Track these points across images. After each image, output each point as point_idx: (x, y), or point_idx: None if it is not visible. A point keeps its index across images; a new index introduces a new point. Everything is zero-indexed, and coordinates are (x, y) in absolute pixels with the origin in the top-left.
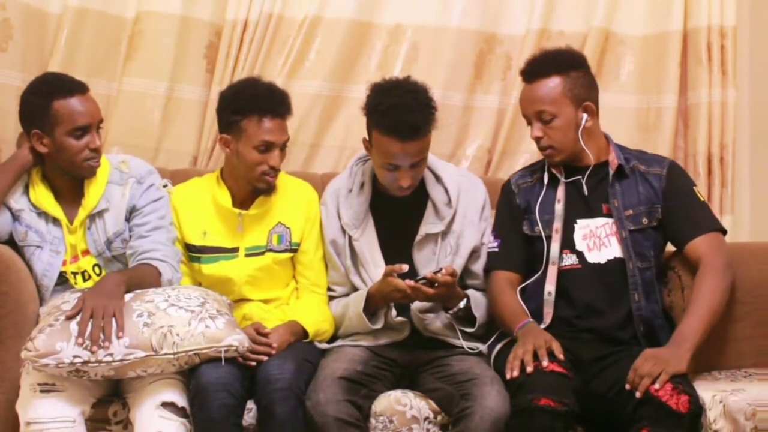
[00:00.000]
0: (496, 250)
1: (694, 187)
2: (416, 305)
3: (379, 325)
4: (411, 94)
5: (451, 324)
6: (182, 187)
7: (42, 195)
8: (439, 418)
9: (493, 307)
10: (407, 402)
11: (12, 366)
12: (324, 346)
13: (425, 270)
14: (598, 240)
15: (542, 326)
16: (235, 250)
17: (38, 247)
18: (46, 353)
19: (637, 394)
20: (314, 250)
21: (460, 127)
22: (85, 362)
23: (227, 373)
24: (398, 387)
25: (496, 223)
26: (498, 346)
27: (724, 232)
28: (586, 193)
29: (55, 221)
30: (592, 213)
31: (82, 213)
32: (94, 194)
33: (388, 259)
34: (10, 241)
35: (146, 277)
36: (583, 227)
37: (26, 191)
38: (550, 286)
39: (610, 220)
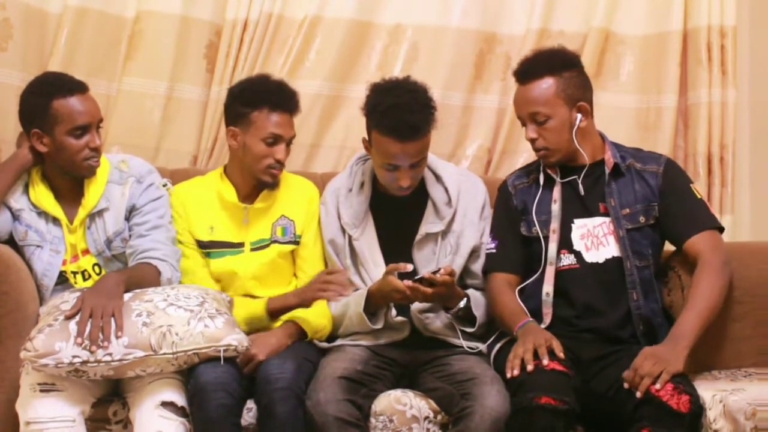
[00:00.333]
0: (494, 251)
1: (691, 185)
2: (416, 305)
3: (379, 324)
4: (411, 94)
5: (451, 324)
6: (186, 185)
7: (42, 194)
8: (439, 417)
9: (493, 308)
10: (407, 401)
11: (12, 366)
12: (324, 345)
13: (425, 270)
14: (596, 239)
15: (542, 326)
16: (241, 245)
17: (38, 246)
18: (45, 353)
19: (638, 394)
20: (313, 243)
21: (460, 127)
22: (85, 362)
23: (225, 373)
24: (398, 386)
25: (493, 225)
26: (498, 346)
27: (721, 229)
28: (582, 192)
29: (55, 221)
30: (589, 212)
31: (82, 212)
32: (93, 194)
33: (388, 258)
34: (10, 241)
35: (146, 276)
36: (580, 227)
37: (26, 191)
38: (548, 287)
39: (608, 219)
